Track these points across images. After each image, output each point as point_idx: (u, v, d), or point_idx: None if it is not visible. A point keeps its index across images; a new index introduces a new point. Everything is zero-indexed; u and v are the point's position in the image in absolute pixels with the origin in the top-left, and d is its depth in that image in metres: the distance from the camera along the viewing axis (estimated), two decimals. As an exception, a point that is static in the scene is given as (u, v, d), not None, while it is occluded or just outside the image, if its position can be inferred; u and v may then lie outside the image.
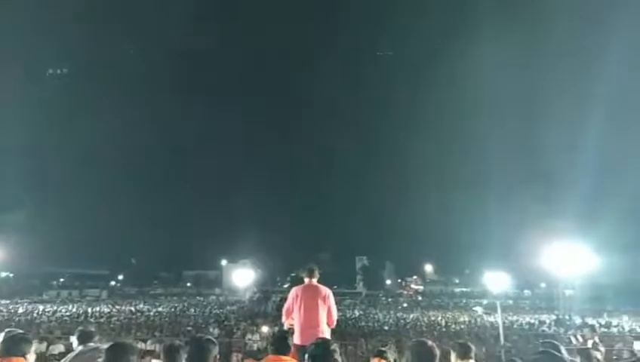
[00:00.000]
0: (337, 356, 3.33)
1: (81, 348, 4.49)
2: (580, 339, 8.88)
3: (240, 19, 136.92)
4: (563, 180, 63.58)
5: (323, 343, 3.47)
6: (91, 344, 4.47)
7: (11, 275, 77.57)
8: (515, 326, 32.58)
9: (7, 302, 46.43)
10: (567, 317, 35.02)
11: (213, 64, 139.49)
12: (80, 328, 4.77)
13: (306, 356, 3.36)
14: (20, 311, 36.59)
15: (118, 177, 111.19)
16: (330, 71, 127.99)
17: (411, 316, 40.15)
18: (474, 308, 46.11)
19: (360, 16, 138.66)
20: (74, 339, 4.76)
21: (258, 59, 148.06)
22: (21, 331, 4.45)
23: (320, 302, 6.03)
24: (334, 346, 3.42)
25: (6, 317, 30.82)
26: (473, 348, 4.59)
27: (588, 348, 8.05)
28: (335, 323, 6.32)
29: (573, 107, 77.15)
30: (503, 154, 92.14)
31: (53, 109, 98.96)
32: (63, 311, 37.49)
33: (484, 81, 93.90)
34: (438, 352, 3.27)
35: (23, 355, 3.89)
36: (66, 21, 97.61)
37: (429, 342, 3.36)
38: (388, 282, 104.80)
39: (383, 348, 5.75)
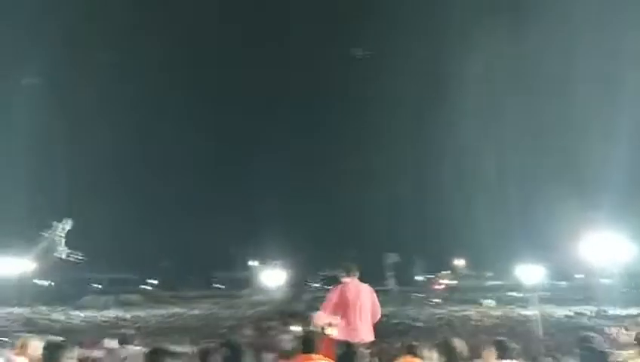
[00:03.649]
0: (365, 358, 3.33)
1: (119, 350, 4.62)
2: (624, 331, 8.59)
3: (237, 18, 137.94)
4: (597, 171, 61.81)
5: (349, 346, 3.50)
6: (133, 347, 4.60)
7: (48, 283, 79.98)
8: (552, 319, 31.85)
9: (46, 309, 47.81)
10: (605, 308, 34.08)
11: (227, 64, 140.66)
12: (121, 331, 4.91)
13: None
14: (59, 317, 37.67)
15: (145, 183, 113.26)
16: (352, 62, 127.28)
17: (444, 311, 39.72)
18: (484, 302, 45.05)
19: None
20: (115, 343, 4.91)
21: (256, 60, 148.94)
22: (61, 338, 4.58)
23: (364, 299, 6.00)
24: (362, 349, 3.44)
25: (45, 324, 31.80)
26: (513, 346, 4.30)
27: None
28: (379, 317, 6.31)
29: (605, 96, 75.00)
30: (534, 146, 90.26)
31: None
32: (100, 316, 38.44)
33: (516, 69, 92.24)
34: (466, 350, 3.23)
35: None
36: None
37: (456, 341, 3.33)
38: (419, 278, 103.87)
39: (414, 344, 5.69)
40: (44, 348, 4.20)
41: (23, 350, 4.54)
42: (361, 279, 6.48)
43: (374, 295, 6.21)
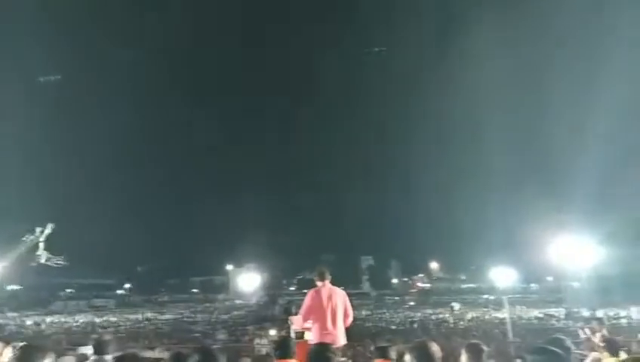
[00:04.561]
0: (338, 359, 3.34)
1: (94, 359, 4.39)
2: (588, 332, 8.80)
3: (240, 18, 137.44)
4: (567, 174, 63.21)
5: (320, 350, 3.51)
6: (107, 356, 4.34)
7: (19, 288, 77.76)
8: (523, 320, 32.49)
9: (16, 314, 46.54)
10: (575, 309, 34.91)
11: (203, 65, 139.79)
12: (95, 337, 4.65)
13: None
14: (28, 323, 36.66)
15: (120, 186, 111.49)
16: (327, 69, 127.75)
17: (418, 314, 40.08)
18: (451, 304, 45.84)
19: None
20: (89, 349, 4.62)
21: (256, 59, 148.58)
22: (34, 344, 4.41)
23: (338, 304, 6.06)
24: (332, 352, 3.45)
25: (15, 330, 30.92)
26: (486, 349, 4.30)
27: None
28: (351, 321, 6.36)
29: (578, 99, 76.93)
30: (507, 149, 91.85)
31: (53, 115, 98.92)
32: (71, 321, 37.60)
33: (485, 75, 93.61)
34: (441, 354, 3.25)
35: None
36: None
37: (432, 344, 3.34)
38: (394, 281, 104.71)
39: (385, 345, 5.72)
40: (17, 350, 3.93)
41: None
42: (338, 282, 6.55)
43: (347, 298, 6.27)
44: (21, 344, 4.20)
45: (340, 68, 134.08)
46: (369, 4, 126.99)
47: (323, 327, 5.92)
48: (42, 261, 24.93)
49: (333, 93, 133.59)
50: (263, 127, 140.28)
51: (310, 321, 6.11)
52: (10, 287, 71.67)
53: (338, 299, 6.09)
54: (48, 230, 25.07)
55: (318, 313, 6.02)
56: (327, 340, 5.14)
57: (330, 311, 5.97)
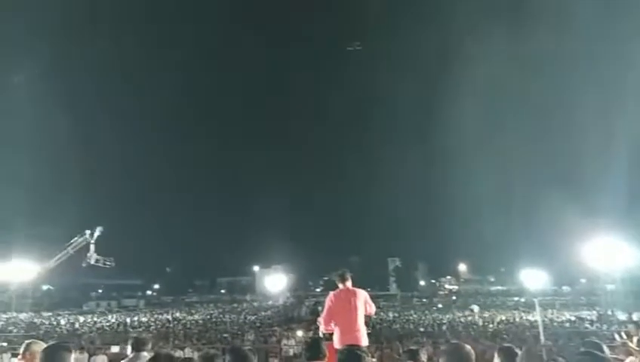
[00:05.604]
0: (366, 361, 3.33)
1: (133, 356, 4.60)
2: (624, 336, 8.54)
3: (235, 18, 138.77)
4: (599, 176, 61.64)
5: (350, 350, 3.48)
6: (145, 352, 4.57)
7: (52, 288, 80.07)
8: (555, 323, 31.72)
9: (49, 314, 47.89)
10: (609, 312, 33.92)
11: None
12: (134, 335, 4.90)
13: None
14: (62, 322, 37.67)
15: (149, 189, 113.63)
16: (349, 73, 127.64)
17: (447, 316, 39.58)
18: (470, 307, 45.02)
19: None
20: (128, 347, 4.89)
21: (258, 60, 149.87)
22: (63, 341, 4.57)
23: (358, 305, 6.07)
24: (362, 352, 3.43)
25: (49, 329, 31.82)
26: (519, 352, 4.17)
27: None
28: (374, 313, 6.43)
29: (607, 101, 75.01)
30: (537, 151, 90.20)
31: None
32: (103, 321, 38.42)
33: (516, 79, 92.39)
34: (474, 355, 3.20)
35: None
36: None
37: (466, 346, 3.29)
38: (421, 283, 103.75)
39: (415, 347, 5.68)
40: (42, 351, 4.13)
41: (26, 355, 4.51)
42: (364, 284, 6.58)
43: (368, 297, 6.28)
44: (50, 343, 4.34)
45: (362, 64, 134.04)
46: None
47: (344, 329, 5.93)
48: (92, 262, 25.86)
49: (358, 94, 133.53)
50: (289, 128, 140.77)
51: (332, 324, 6.14)
52: (45, 287, 73.95)
53: (358, 300, 6.10)
54: (97, 232, 26.02)
55: (339, 315, 6.05)
56: (349, 342, 5.15)
57: (350, 313, 5.98)
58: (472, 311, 41.97)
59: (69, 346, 4.26)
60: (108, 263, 27.08)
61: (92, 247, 25.98)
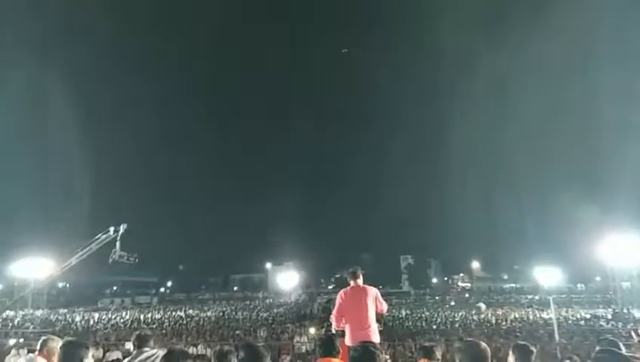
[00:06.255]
0: (380, 358, 3.30)
1: (135, 352, 4.60)
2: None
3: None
4: (614, 173, 60.97)
5: (364, 346, 3.46)
6: (147, 349, 4.57)
7: (67, 285, 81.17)
8: (570, 321, 31.38)
9: (65, 311, 48.50)
10: (625, 310, 33.48)
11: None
12: (137, 332, 4.90)
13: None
14: (77, 319, 38.14)
15: (167, 188, 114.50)
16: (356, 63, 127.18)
17: (460, 314, 39.33)
18: (477, 305, 44.50)
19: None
20: (130, 344, 4.90)
21: (260, 60, 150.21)
22: (79, 339, 4.62)
23: (368, 302, 6.07)
24: (376, 348, 3.40)
25: (64, 326, 32.24)
26: (534, 350, 4.11)
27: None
28: (386, 310, 6.47)
29: (623, 100, 73.99)
30: (552, 149, 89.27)
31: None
32: (117, 318, 38.81)
33: (532, 76, 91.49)
34: (490, 353, 3.18)
35: (81, 361, 4.02)
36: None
37: (482, 344, 3.27)
38: (434, 280, 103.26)
39: (428, 345, 5.63)
40: (61, 347, 4.21)
41: (44, 351, 4.56)
42: (377, 281, 6.58)
43: (378, 294, 6.29)
44: (67, 339, 4.40)
45: (368, 62, 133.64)
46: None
47: (355, 326, 5.96)
48: (117, 258, 26.25)
49: (367, 89, 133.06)
50: (299, 126, 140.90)
51: (344, 321, 6.15)
52: (60, 284, 74.99)
53: (369, 297, 6.10)
54: (122, 230, 26.44)
55: (349, 312, 6.08)
56: (361, 338, 5.14)
57: (361, 310, 6.00)
58: (479, 309, 41.67)
59: (87, 343, 4.31)
60: (131, 259, 27.40)
61: (118, 244, 26.34)
